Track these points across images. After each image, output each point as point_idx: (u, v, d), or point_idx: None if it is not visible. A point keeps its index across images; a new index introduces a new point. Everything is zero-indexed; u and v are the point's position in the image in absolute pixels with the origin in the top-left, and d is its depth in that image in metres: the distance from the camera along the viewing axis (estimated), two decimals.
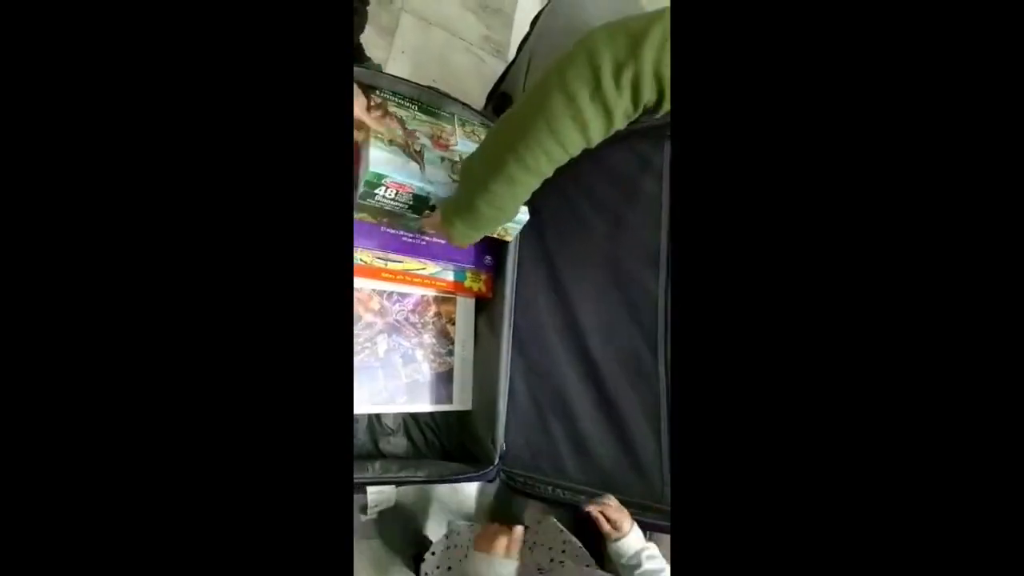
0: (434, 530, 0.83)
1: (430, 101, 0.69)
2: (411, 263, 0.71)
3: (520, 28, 1.06)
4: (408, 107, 0.67)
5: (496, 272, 0.77)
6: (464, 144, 0.68)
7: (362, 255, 0.68)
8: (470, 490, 0.87)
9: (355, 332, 0.70)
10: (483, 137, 0.64)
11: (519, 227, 0.68)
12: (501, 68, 1.01)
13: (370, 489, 0.65)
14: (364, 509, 0.65)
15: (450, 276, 0.74)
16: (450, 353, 0.76)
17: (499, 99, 0.87)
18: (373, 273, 0.68)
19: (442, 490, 0.85)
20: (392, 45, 0.90)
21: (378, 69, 0.88)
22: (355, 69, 0.65)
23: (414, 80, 0.67)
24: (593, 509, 0.55)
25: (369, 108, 0.62)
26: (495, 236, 0.68)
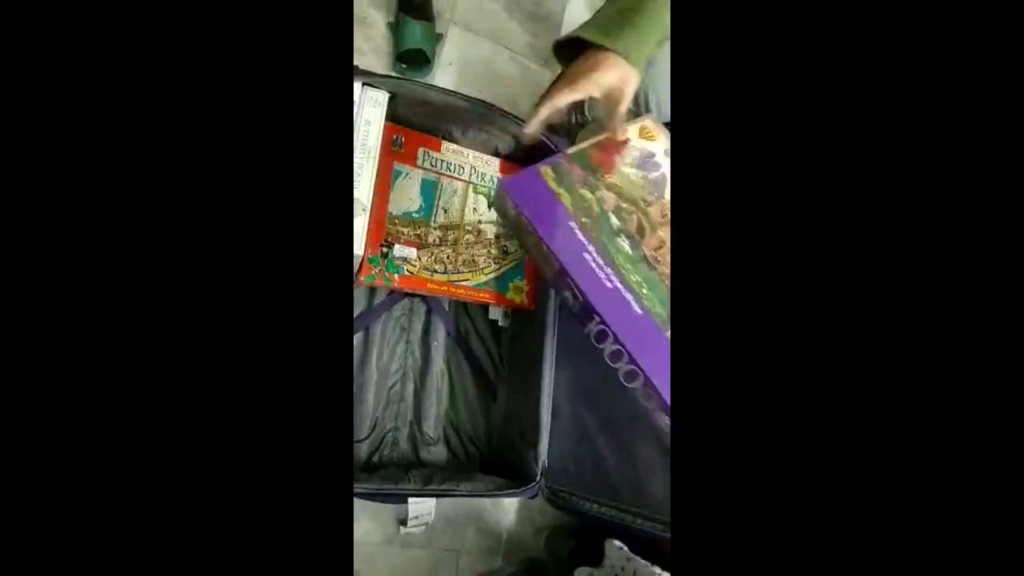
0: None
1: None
2: (455, 275, 0.71)
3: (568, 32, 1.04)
4: None
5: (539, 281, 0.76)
6: None
7: (410, 265, 0.68)
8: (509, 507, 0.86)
9: None
10: None
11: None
12: (547, 75, 1.01)
13: (411, 500, 0.65)
14: (403, 521, 0.65)
15: (493, 287, 0.74)
16: None
17: None
18: (419, 284, 0.69)
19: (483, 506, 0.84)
20: (440, 56, 0.91)
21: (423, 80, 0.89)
22: (405, 82, 0.65)
23: (462, 92, 0.67)
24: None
25: None
26: None
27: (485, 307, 0.82)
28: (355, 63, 0.67)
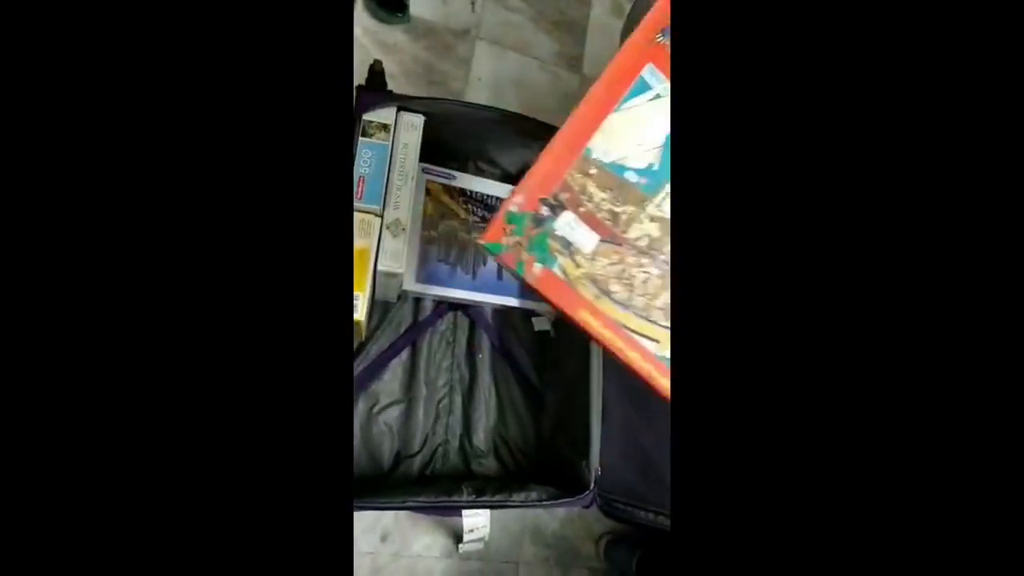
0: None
1: None
2: (640, 320, 0.44)
3: (593, 40, 1.05)
4: None
5: None
6: None
7: (572, 259, 0.39)
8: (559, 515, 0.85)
9: None
10: None
11: None
12: (576, 81, 1.01)
13: (465, 513, 0.65)
14: (459, 538, 0.65)
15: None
16: None
17: None
18: (569, 299, 0.38)
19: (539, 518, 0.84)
20: (470, 74, 0.93)
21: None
22: (437, 102, 0.67)
23: (493, 104, 0.68)
24: None
25: None
26: None
27: (529, 317, 0.82)
28: (389, 88, 0.69)
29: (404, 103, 0.66)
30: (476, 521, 0.66)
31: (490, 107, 0.68)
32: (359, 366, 0.75)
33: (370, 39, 0.89)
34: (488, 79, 0.95)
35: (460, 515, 0.65)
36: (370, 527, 0.76)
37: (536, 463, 0.79)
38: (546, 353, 0.82)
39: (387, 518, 0.77)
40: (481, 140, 0.76)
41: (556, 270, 0.40)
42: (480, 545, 0.70)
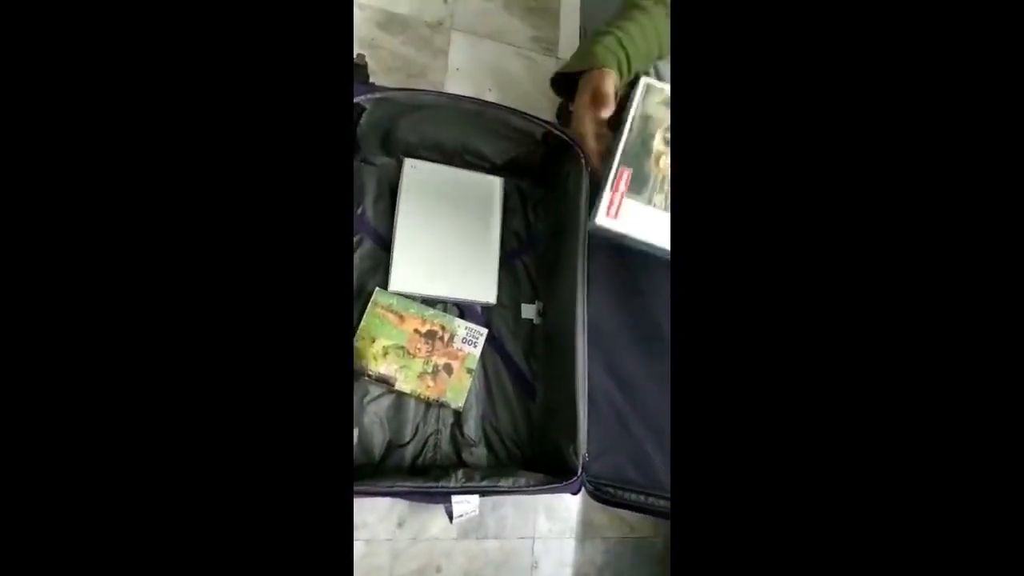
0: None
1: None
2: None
3: (567, 23, 1.04)
4: None
5: (562, 276, 0.75)
6: None
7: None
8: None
9: None
10: None
11: None
12: (553, 65, 1.00)
13: (454, 499, 0.66)
14: (450, 517, 0.67)
15: None
16: None
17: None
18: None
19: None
20: (448, 65, 0.92)
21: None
22: (400, 93, 0.66)
23: (471, 96, 0.67)
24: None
25: None
26: None
27: (518, 307, 0.82)
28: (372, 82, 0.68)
29: (386, 95, 0.65)
30: (465, 508, 0.67)
31: (470, 98, 0.68)
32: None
33: None
34: (466, 69, 0.95)
35: (450, 501, 0.66)
36: (385, 515, 0.76)
37: (528, 452, 0.80)
38: (535, 342, 0.82)
39: (401, 505, 0.77)
40: (465, 132, 0.75)
41: None
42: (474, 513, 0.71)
